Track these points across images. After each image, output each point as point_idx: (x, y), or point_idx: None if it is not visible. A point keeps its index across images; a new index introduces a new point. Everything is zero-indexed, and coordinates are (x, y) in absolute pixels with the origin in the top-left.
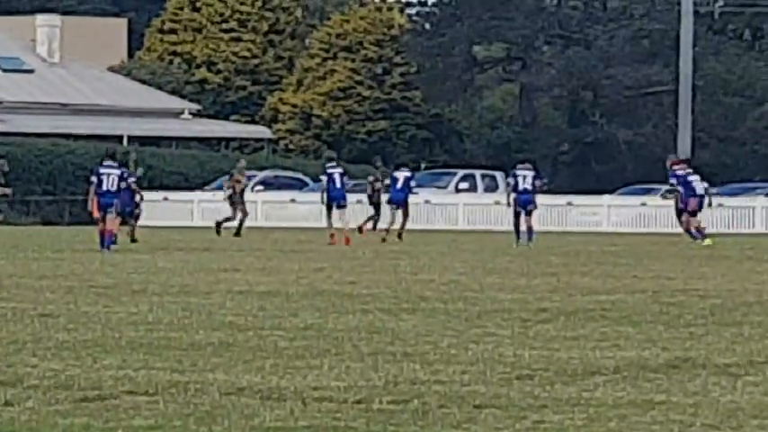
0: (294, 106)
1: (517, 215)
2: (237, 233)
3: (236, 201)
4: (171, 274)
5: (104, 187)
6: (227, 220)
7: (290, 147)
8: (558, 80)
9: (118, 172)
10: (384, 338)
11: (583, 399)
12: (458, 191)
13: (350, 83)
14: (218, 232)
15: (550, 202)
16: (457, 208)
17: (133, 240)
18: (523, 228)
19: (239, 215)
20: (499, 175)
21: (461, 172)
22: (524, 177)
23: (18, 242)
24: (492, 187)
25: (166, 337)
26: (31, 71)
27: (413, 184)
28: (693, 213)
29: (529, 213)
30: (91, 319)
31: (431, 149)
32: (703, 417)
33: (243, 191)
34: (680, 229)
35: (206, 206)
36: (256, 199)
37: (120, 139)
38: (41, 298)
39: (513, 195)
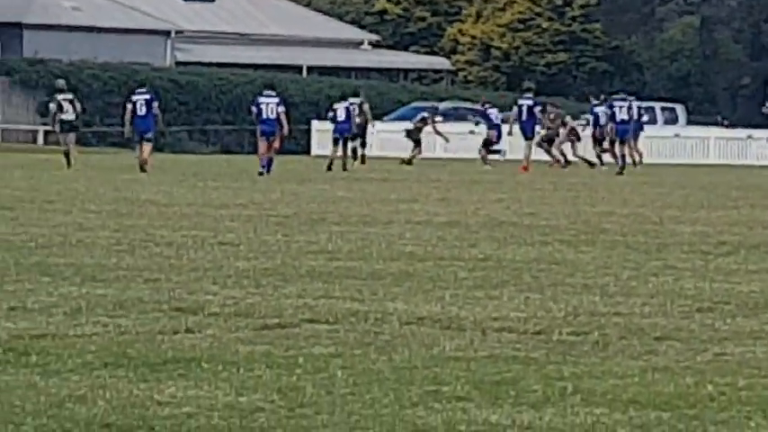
0: (473, 37)
1: (612, 143)
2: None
3: (561, 141)
4: (350, 204)
5: (264, 116)
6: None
7: (469, 78)
8: (740, 13)
9: (276, 100)
10: (563, 270)
11: (764, 332)
12: None
13: (530, 14)
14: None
15: (731, 136)
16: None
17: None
18: (605, 157)
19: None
20: (679, 107)
21: (641, 104)
22: (621, 108)
23: (198, 171)
24: (672, 120)
25: (346, 266)
26: (211, 0)
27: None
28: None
29: (623, 143)
30: (270, 248)
31: (611, 82)
32: None
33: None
34: None
35: (384, 137)
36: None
37: (299, 69)
38: (221, 226)
39: (611, 125)
